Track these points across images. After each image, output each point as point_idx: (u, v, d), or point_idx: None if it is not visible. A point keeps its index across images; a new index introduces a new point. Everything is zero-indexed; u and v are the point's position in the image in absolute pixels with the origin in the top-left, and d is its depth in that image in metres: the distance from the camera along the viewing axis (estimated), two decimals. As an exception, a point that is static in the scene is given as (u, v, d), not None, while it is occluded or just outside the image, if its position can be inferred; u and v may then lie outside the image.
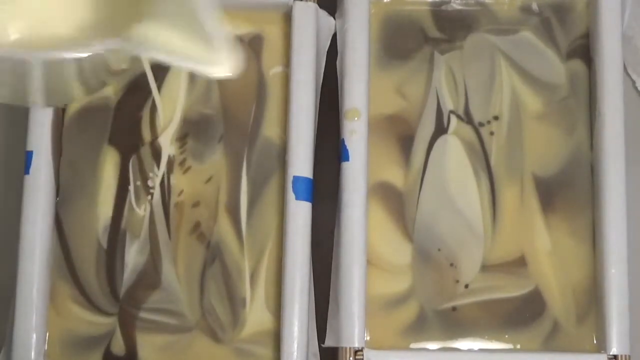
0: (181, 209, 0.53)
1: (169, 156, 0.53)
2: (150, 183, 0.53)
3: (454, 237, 0.53)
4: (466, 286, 0.53)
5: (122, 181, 0.53)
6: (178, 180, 0.53)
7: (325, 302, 0.52)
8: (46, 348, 0.51)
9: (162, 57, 0.42)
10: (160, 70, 0.54)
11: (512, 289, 0.53)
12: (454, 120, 0.54)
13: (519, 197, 0.54)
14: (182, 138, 0.53)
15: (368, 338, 0.52)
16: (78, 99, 0.53)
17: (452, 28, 0.55)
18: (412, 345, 0.52)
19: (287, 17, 0.54)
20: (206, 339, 0.52)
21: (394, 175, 0.54)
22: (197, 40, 0.42)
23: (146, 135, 0.53)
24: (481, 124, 0.54)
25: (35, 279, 0.50)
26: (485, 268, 0.53)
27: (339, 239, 0.52)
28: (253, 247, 0.52)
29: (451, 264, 0.53)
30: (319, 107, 0.53)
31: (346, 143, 0.52)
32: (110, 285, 0.52)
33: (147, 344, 0.52)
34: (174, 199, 0.53)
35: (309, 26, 0.53)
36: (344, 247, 0.51)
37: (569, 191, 0.54)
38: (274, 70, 0.54)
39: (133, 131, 0.53)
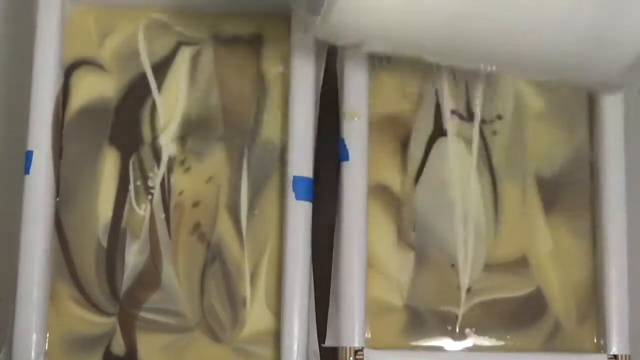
0: (181, 209, 0.53)
1: (169, 156, 0.53)
2: (150, 183, 0.53)
3: (455, 237, 0.53)
4: (468, 287, 0.53)
5: (122, 181, 0.53)
6: (178, 180, 0.53)
7: (325, 302, 0.52)
8: (46, 348, 0.51)
9: None
10: (160, 70, 0.54)
11: (514, 289, 0.53)
12: (455, 119, 0.54)
13: (521, 197, 0.54)
14: (182, 138, 0.53)
15: (368, 337, 0.52)
16: None
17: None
18: (413, 345, 0.52)
19: (287, 17, 0.54)
20: (206, 339, 0.52)
21: (394, 175, 0.54)
22: None
23: (146, 135, 0.53)
24: (484, 123, 0.54)
25: (35, 279, 0.50)
26: (487, 268, 0.53)
27: (339, 239, 0.52)
28: (253, 247, 0.52)
29: (452, 265, 0.53)
30: (319, 107, 0.53)
31: (346, 143, 0.52)
32: (110, 285, 0.52)
33: (147, 344, 0.52)
34: (174, 198, 0.53)
35: (309, 26, 0.53)
36: (344, 246, 0.51)
37: (571, 191, 0.54)
38: (274, 70, 0.54)
39: (133, 131, 0.53)
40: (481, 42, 0.43)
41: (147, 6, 0.54)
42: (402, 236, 0.53)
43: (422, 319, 0.52)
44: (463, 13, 0.42)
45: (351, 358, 0.50)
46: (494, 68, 0.48)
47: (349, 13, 0.41)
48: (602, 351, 0.52)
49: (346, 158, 0.52)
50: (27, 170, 0.51)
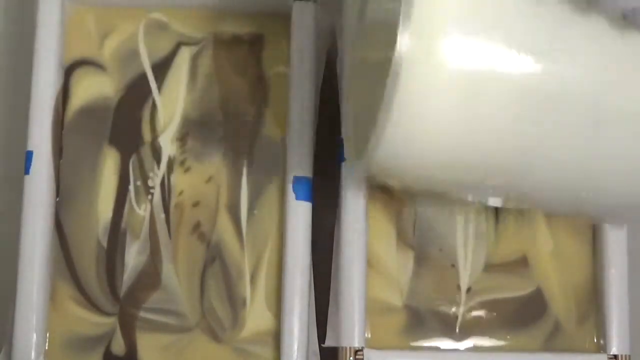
0: (181, 208, 0.53)
1: (169, 156, 0.53)
2: (150, 183, 0.53)
3: (455, 237, 0.53)
4: (468, 287, 0.53)
5: (122, 181, 0.53)
6: (178, 180, 0.53)
7: (325, 302, 0.52)
8: (46, 348, 0.51)
9: None
10: (160, 70, 0.54)
11: (514, 290, 0.53)
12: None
13: (521, 197, 0.54)
14: (182, 138, 0.53)
15: (368, 337, 0.52)
16: None
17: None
18: (413, 345, 0.52)
19: (287, 17, 0.54)
20: (206, 339, 0.52)
21: (394, 175, 0.54)
22: None
23: (146, 135, 0.53)
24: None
25: (35, 279, 0.50)
26: (487, 268, 0.53)
27: (339, 239, 0.52)
28: (253, 247, 0.52)
29: (452, 265, 0.53)
30: (319, 107, 0.53)
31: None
32: (110, 285, 0.52)
33: (147, 344, 0.52)
34: (174, 199, 0.53)
35: (309, 26, 0.53)
36: (344, 246, 0.51)
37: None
38: (274, 70, 0.54)
39: (133, 131, 0.53)
40: (538, 188, 0.41)
41: (147, 6, 0.54)
42: (402, 236, 0.53)
43: (422, 319, 0.52)
44: (525, 159, 0.39)
45: (351, 358, 0.50)
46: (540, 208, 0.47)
47: (398, 147, 0.37)
48: (602, 351, 0.52)
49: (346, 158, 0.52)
50: (27, 170, 0.51)
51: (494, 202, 0.44)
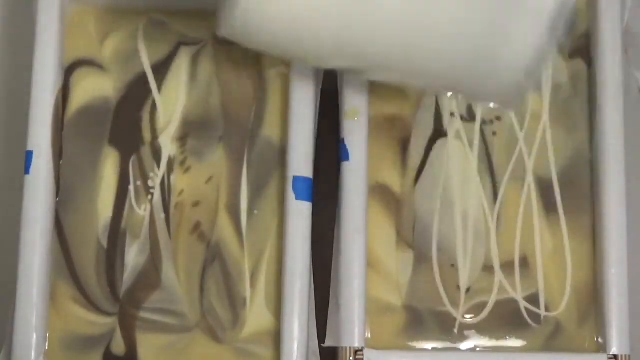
0: (181, 208, 0.53)
1: (169, 156, 0.53)
2: (150, 183, 0.53)
3: (455, 237, 0.53)
4: (467, 287, 0.53)
5: (122, 181, 0.53)
6: (178, 180, 0.53)
7: (325, 302, 0.52)
8: (46, 348, 0.51)
9: None
10: (160, 70, 0.54)
11: (513, 290, 0.53)
12: (455, 120, 0.54)
13: (521, 198, 0.53)
14: (182, 138, 0.53)
15: (368, 337, 0.52)
16: None
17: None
18: (412, 345, 0.52)
19: (287, 17, 0.54)
20: (206, 339, 0.52)
21: (394, 175, 0.54)
22: None
23: (146, 135, 0.53)
24: (484, 124, 0.54)
25: (35, 279, 0.50)
26: (486, 268, 0.53)
27: (339, 239, 0.52)
28: (253, 247, 0.52)
29: (452, 265, 0.53)
30: (319, 107, 0.53)
31: (346, 143, 0.52)
32: (111, 285, 0.52)
33: (147, 344, 0.52)
34: (174, 198, 0.53)
35: (309, 26, 0.53)
36: (344, 246, 0.51)
37: (571, 191, 0.54)
38: (274, 70, 0.54)
39: (133, 131, 0.53)
40: (372, 47, 0.45)
41: (147, 6, 0.54)
42: (402, 236, 0.53)
43: (422, 319, 0.52)
44: (352, 18, 0.44)
45: (351, 358, 0.50)
46: (391, 77, 0.49)
47: (252, 13, 0.43)
48: (602, 351, 0.52)
49: (346, 158, 0.52)
50: (27, 170, 0.51)
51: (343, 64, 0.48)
